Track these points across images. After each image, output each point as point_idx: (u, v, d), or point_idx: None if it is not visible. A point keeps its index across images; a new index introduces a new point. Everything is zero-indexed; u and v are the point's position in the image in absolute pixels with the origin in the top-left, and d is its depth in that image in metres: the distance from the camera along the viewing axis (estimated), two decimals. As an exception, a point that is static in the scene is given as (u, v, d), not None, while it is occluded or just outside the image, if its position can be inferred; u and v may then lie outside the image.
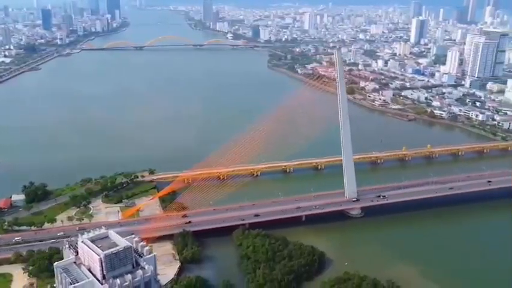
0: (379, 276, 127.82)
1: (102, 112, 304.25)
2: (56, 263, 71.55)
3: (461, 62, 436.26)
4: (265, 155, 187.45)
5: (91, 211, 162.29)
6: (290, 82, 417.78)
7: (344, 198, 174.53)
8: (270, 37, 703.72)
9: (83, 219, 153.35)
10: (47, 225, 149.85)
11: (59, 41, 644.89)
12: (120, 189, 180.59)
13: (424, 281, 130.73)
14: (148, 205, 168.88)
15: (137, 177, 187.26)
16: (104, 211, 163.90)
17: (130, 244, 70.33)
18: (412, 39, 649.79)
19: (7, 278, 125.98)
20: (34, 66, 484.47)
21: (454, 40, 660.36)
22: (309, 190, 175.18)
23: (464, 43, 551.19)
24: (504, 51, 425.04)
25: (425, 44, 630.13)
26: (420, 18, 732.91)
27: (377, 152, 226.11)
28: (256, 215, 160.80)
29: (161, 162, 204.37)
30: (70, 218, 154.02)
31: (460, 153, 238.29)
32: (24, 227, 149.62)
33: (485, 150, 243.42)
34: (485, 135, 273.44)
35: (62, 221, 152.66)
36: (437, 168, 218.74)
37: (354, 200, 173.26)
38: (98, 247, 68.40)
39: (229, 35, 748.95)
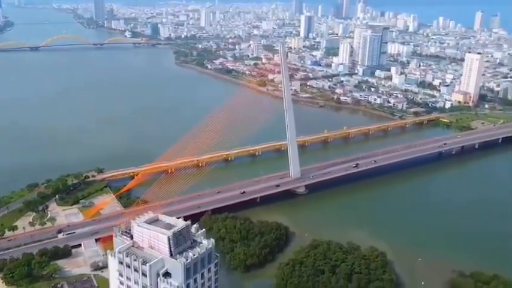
0: (340, 241, 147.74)
1: (26, 115, 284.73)
2: (117, 248, 74.98)
3: (351, 53, 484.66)
4: (205, 148, 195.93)
5: (49, 215, 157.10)
6: (202, 77, 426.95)
7: (290, 178, 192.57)
8: (170, 34, 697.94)
9: (45, 223, 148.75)
10: (8, 233, 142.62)
11: None
12: (72, 190, 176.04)
13: (373, 240, 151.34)
14: (108, 203, 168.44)
15: (88, 177, 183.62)
16: (62, 214, 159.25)
17: (188, 223, 77.67)
18: (302, 34, 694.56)
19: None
20: None
21: (337, 34, 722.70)
22: (251, 174, 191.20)
23: (347, 36, 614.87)
24: (386, 42, 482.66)
25: (314, 38, 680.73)
26: (308, 14, 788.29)
27: (303, 136, 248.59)
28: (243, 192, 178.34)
29: (104, 161, 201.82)
30: (32, 224, 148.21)
31: (370, 132, 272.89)
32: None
33: (389, 128, 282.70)
34: (385, 115, 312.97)
35: (23, 228, 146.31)
36: (355, 146, 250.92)
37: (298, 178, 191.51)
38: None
39: (127, 33, 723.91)
